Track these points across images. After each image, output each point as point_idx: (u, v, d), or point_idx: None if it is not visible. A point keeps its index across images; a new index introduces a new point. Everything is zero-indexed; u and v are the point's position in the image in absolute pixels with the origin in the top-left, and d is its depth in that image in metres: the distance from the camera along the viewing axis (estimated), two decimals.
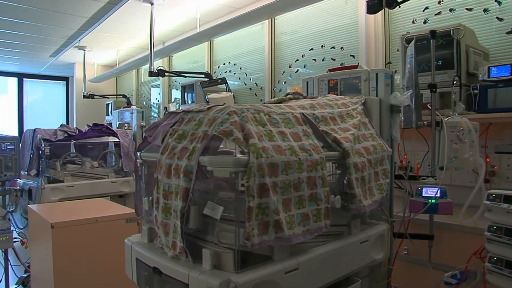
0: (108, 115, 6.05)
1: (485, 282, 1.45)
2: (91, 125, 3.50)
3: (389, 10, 2.63)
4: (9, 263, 2.59)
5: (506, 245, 1.28)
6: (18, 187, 2.90)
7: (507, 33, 2.04)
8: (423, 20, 2.49)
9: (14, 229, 2.72)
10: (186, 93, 4.08)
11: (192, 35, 4.11)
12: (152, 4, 3.67)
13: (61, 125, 3.30)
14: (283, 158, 0.96)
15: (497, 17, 2.14)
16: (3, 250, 2.49)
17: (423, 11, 2.48)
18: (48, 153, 2.99)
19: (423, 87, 1.79)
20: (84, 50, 5.68)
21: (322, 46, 3.20)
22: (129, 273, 1.20)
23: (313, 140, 1.11)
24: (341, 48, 3.04)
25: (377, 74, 1.54)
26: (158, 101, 5.72)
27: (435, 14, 2.42)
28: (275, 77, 3.69)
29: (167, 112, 4.17)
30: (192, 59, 4.99)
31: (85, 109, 6.89)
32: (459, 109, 1.63)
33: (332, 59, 3.11)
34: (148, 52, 4.03)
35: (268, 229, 0.92)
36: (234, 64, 4.19)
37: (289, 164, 0.98)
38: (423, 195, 1.51)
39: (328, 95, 1.59)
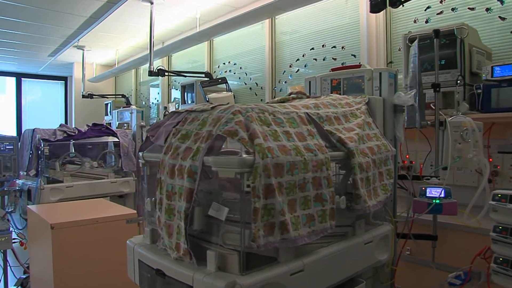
0: (107, 115, 6.02)
1: (490, 283, 1.44)
2: (90, 125, 3.48)
3: (391, 9, 2.62)
4: (8, 264, 2.57)
5: None
6: (17, 188, 2.88)
7: None
8: (424, 20, 2.48)
9: (13, 230, 2.70)
10: (186, 93, 4.06)
11: (192, 35, 4.09)
12: (152, 3, 3.65)
13: (60, 125, 3.28)
14: (288, 158, 0.95)
15: (499, 17, 2.13)
16: (2, 251, 2.47)
17: (425, 10, 2.47)
18: (47, 153, 2.96)
19: (426, 86, 1.79)
20: (83, 50, 5.65)
21: (323, 46, 3.19)
22: (131, 275, 1.18)
23: (318, 140, 1.09)
24: (342, 47, 3.03)
25: (380, 74, 1.53)
26: (158, 101, 5.70)
27: (437, 14, 2.41)
28: (275, 76, 3.67)
29: (167, 111, 4.16)
30: (191, 59, 4.97)
31: (84, 109, 6.86)
32: (463, 109, 1.63)
33: (333, 58, 3.10)
34: (147, 51, 4.01)
35: (274, 230, 0.91)
36: (234, 64, 4.18)
37: (294, 164, 0.96)
38: (427, 195, 1.50)
39: (331, 94, 1.58)
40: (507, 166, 1.93)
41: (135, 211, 2.08)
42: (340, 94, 1.62)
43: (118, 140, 3.42)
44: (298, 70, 3.44)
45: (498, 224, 1.31)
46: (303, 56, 3.37)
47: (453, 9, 2.33)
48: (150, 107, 5.94)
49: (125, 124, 4.65)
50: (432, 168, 2.14)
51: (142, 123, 3.69)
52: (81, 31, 4.78)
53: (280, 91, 3.60)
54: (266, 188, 0.89)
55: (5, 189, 2.63)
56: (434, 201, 1.48)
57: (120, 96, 5.84)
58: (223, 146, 1.02)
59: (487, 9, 2.18)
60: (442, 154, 1.61)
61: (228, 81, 3.62)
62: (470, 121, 1.57)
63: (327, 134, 1.17)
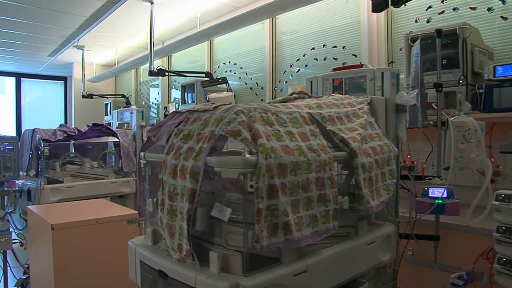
0: (107, 115, 6.01)
1: (492, 284, 1.44)
2: (90, 125, 3.47)
3: (392, 9, 2.61)
4: (8, 265, 2.56)
5: None
6: (17, 188, 2.87)
7: None
8: (426, 19, 2.47)
9: (13, 230, 2.69)
10: (186, 93, 4.05)
11: (192, 35, 4.09)
12: (152, 3, 3.64)
13: (60, 125, 3.27)
14: (291, 159, 0.94)
15: (501, 16, 2.12)
16: (2, 251, 2.46)
17: (426, 10, 2.46)
18: (48, 154, 2.95)
19: (428, 86, 1.78)
20: (83, 50, 5.64)
21: (323, 46, 3.18)
22: (133, 276, 1.17)
23: (320, 140, 1.09)
24: (343, 47, 3.03)
25: (382, 73, 1.52)
26: (158, 101, 5.69)
27: (438, 13, 2.40)
28: (276, 76, 3.67)
29: (167, 111, 4.14)
30: (191, 59, 4.96)
31: (84, 109, 6.85)
32: (466, 109, 1.62)
33: (334, 58, 3.10)
34: (147, 51, 4.00)
35: (277, 231, 0.90)
36: (235, 64, 4.17)
37: (297, 165, 0.96)
38: (429, 195, 1.50)
39: (333, 94, 1.57)
40: (509, 166, 1.92)
41: (136, 212, 2.08)
42: (342, 94, 1.62)
43: (118, 140, 3.41)
44: (298, 70, 3.43)
45: (501, 224, 1.31)
46: (303, 56, 3.37)
47: (454, 9, 2.33)
48: (150, 107, 5.93)
49: (125, 124, 4.64)
50: (433, 168, 2.14)
51: (142, 123, 3.68)
52: (81, 31, 4.77)
53: (281, 91, 3.59)
54: (269, 189, 0.88)
55: (5, 189, 2.62)
56: (436, 201, 1.48)
57: (120, 96, 5.83)
58: (223, 146, 1.02)
59: (489, 9, 2.17)
60: (444, 154, 1.60)
61: (229, 81, 3.61)
62: (472, 121, 1.56)
63: (330, 134, 1.16)
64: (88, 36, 4.92)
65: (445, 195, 1.48)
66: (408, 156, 2.08)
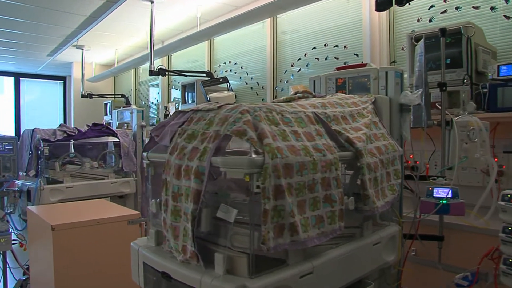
0: (107, 114, 5.99)
1: (498, 284, 1.43)
2: (90, 125, 3.45)
3: (394, 8, 2.60)
4: (7, 266, 2.55)
5: None
6: (17, 188, 2.85)
7: None
8: (428, 19, 2.46)
9: (12, 231, 2.67)
10: (186, 93, 4.03)
11: (193, 34, 4.07)
12: (152, 2, 3.63)
13: (60, 125, 3.25)
14: (297, 159, 0.93)
15: (504, 15, 2.12)
16: (1, 252, 2.45)
17: (429, 9, 2.45)
18: (47, 154, 2.93)
19: (431, 86, 1.77)
20: (82, 49, 5.61)
21: (325, 45, 3.17)
22: (136, 278, 1.16)
23: (326, 140, 1.07)
24: (345, 46, 3.01)
25: (386, 73, 1.51)
26: (157, 100, 5.67)
27: (441, 12, 2.39)
28: (276, 76, 3.65)
29: (167, 111, 4.12)
30: (191, 58, 4.94)
31: (83, 109, 6.82)
32: (470, 108, 1.61)
33: (335, 58, 3.08)
34: (147, 51, 3.99)
35: (283, 232, 0.89)
36: (235, 63, 4.15)
37: (303, 165, 0.94)
38: (434, 195, 1.49)
39: (337, 93, 1.56)
40: None
41: (137, 212, 2.06)
42: (345, 93, 1.60)
43: (118, 140, 3.39)
44: (300, 69, 3.42)
45: (507, 225, 1.30)
46: (305, 55, 3.36)
47: (457, 8, 2.32)
48: (149, 107, 5.92)
49: (125, 124, 4.62)
50: (436, 168, 2.13)
51: (142, 123, 3.66)
52: (80, 31, 4.75)
53: (282, 90, 3.58)
54: (275, 189, 0.87)
55: (5, 189, 2.60)
56: (441, 201, 1.47)
57: (120, 96, 5.81)
58: (226, 146, 1.00)
59: (492, 8, 2.16)
60: (449, 154, 1.59)
61: (229, 81, 3.60)
62: (477, 120, 1.55)
63: (335, 134, 1.15)
64: (87, 36, 4.90)
65: (450, 195, 1.46)
66: (411, 156, 2.07)
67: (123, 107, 5.20)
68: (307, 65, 3.35)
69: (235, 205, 0.90)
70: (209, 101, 3.28)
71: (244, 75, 4.04)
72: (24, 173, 3.07)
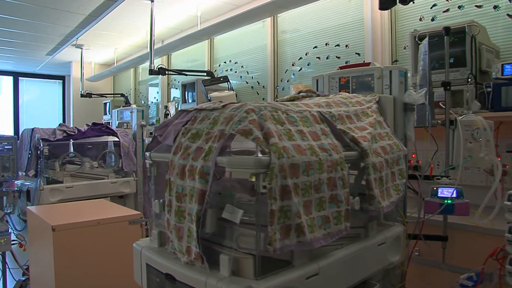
0: (106, 114, 5.96)
1: (502, 285, 1.42)
2: (90, 124, 3.43)
3: (396, 7, 2.59)
4: (7, 266, 2.53)
5: None
6: (16, 188, 2.83)
7: None
8: (430, 18, 2.45)
9: (12, 231, 2.65)
10: (186, 92, 4.02)
11: (193, 33, 4.05)
12: (152, 1, 3.60)
13: (60, 125, 3.23)
14: (304, 159, 0.92)
15: (507, 14, 2.11)
16: (1, 253, 2.43)
17: (431, 8, 2.44)
18: (47, 153, 2.91)
19: (435, 85, 1.76)
20: (82, 49, 5.59)
21: (326, 44, 3.16)
22: (138, 279, 1.15)
23: (332, 140, 1.06)
24: (346, 46, 3.00)
25: (390, 72, 1.50)
26: (157, 100, 5.65)
27: (443, 11, 2.38)
28: (277, 75, 3.64)
29: (167, 111, 4.10)
30: (191, 58, 4.93)
31: (82, 108, 6.80)
32: (475, 108, 1.60)
33: (336, 57, 3.07)
34: (147, 50, 3.97)
35: (290, 233, 0.88)
36: (235, 63, 4.14)
37: (309, 165, 0.93)
38: (438, 195, 1.48)
39: (341, 93, 1.54)
40: None
41: (137, 212, 2.05)
42: (349, 92, 1.59)
43: (118, 139, 3.37)
44: (301, 68, 3.40)
45: None
46: (306, 54, 3.34)
47: (459, 7, 2.31)
48: (149, 106, 5.89)
49: (125, 124, 4.60)
50: (439, 167, 2.12)
51: (142, 122, 3.64)
52: (79, 30, 4.72)
53: (283, 90, 3.57)
54: (282, 190, 0.85)
55: (4, 190, 2.58)
56: (446, 201, 1.46)
57: (119, 95, 5.78)
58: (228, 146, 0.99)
59: (495, 7, 2.15)
60: (453, 153, 1.58)
61: (229, 80, 3.59)
62: (481, 120, 1.54)
63: (340, 133, 1.14)
64: (87, 35, 4.88)
65: (454, 195, 1.45)
66: (413, 156, 2.06)
67: (123, 106, 5.17)
68: (308, 64, 3.33)
69: (240, 206, 0.89)
70: (209, 100, 3.26)
71: (244, 74, 4.02)
72: (24, 173, 3.05)
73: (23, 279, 2.59)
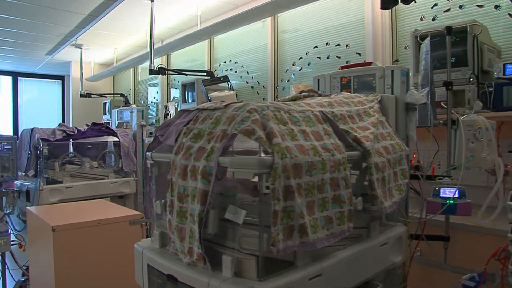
0: (105, 114, 5.95)
1: (505, 285, 1.41)
2: (90, 124, 3.42)
3: (397, 7, 2.58)
4: (6, 267, 2.52)
5: None
6: (16, 189, 2.82)
7: None
8: (431, 17, 2.45)
9: (11, 232, 2.64)
10: (186, 92, 4.01)
11: (193, 33, 4.04)
12: (152, 1, 3.60)
13: (59, 124, 3.21)
14: (306, 159, 0.91)
15: (509, 14, 2.10)
16: (0, 253, 2.42)
17: (432, 8, 2.44)
18: (47, 153, 2.90)
19: (436, 85, 1.75)
20: (81, 48, 5.58)
21: (326, 44, 3.15)
22: (140, 280, 1.14)
23: (334, 139, 1.06)
24: (347, 45, 3.00)
25: (392, 71, 1.49)
26: (157, 100, 5.64)
27: (444, 11, 2.38)
28: (277, 75, 3.63)
29: (167, 111, 4.08)
30: (190, 57, 4.92)
31: (82, 108, 6.79)
32: (477, 107, 1.59)
33: (337, 56, 3.07)
34: (147, 50, 3.96)
35: (293, 234, 0.87)
36: (235, 62, 4.13)
37: (312, 165, 0.92)
38: (440, 195, 1.47)
39: (342, 92, 1.54)
40: None
41: (138, 212, 2.04)
42: (350, 92, 1.58)
43: (118, 139, 3.36)
44: (301, 68, 3.40)
45: None
46: (306, 54, 3.34)
47: (460, 7, 2.30)
48: (148, 106, 5.88)
49: (125, 124, 4.59)
50: (440, 167, 2.11)
51: (142, 122, 3.63)
52: (79, 29, 4.71)
53: (283, 89, 3.56)
54: (285, 190, 0.85)
55: (3, 190, 2.57)
56: (448, 201, 1.45)
57: (119, 95, 5.77)
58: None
59: (496, 6, 2.15)
60: (455, 153, 1.58)
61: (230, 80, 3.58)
62: (483, 119, 1.54)
63: (342, 133, 1.13)
64: (86, 35, 4.87)
65: (456, 195, 1.45)
66: (414, 156, 2.05)
67: (123, 106, 5.16)
68: (308, 64, 3.33)
69: (242, 206, 0.88)
70: (210, 100, 3.25)
71: (244, 74, 4.02)
72: (23, 173, 3.04)
73: (23, 279, 2.58)
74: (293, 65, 3.47)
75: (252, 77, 3.92)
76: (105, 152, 3.38)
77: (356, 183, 1.23)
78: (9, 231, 2.50)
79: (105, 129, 3.38)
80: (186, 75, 3.82)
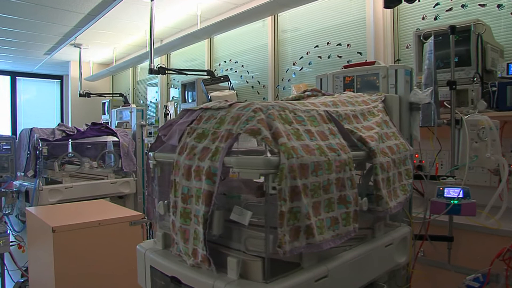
0: (105, 114, 5.93)
1: (509, 286, 1.41)
2: (89, 124, 3.40)
3: (398, 6, 2.57)
4: (5, 268, 2.50)
5: None
6: (15, 189, 2.80)
7: None
8: (433, 16, 2.44)
9: (10, 232, 2.62)
10: (186, 91, 3.99)
11: (193, 32, 4.02)
12: (152, 0, 3.58)
13: (58, 124, 3.19)
14: (312, 159, 0.90)
15: (511, 13, 2.09)
16: None
17: (434, 7, 2.43)
18: (46, 153, 2.88)
19: (439, 84, 1.74)
20: (80, 48, 5.55)
21: (327, 43, 3.14)
22: (142, 282, 1.12)
23: (339, 139, 1.04)
24: (348, 45, 2.98)
25: (396, 71, 1.48)
26: (156, 100, 5.62)
27: (446, 10, 2.37)
28: (278, 74, 3.62)
29: (167, 110, 4.06)
30: (190, 57, 4.90)
31: (81, 108, 6.76)
32: (481, 107, 1.59)
33: (338, 56, 3.05)
34: (146, 49, 3.95)
35: (299, 235, 0.86)
36: (235, 62, 4.11)
37: (318, 165, 0.91)
38: (445, 195, 1.46)
39: (346, 92, 1.53)
40: None
41: (138, 213, 2.03)
42: (353, 91, 1.57)
43: (118, 139, 3.34)
44: (302, 68, 3.38)
45: None
46: (307, 53, 3.32)
47: (463, 6, 2.30)
48: (148, 106, 5.86)
49: (125, 123, 4.57)
50: (442, 167, 2.10)
51: (142, 122, 3.61)
52: (78, 29, 4.69)
53: (284, 89, 3.55)
54: (292, 190, 0.83)
55: (2, 190, 2.55)
56: (452, 201, 1.44)
57: (118, 95, 5.75)
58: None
59: (499, 6, 2.14)
60: (458, 153, 1.57)
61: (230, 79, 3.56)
62: (487, 119, 1.53)
63: (347, 133, 1.12)
64: (85, 34, 4.84)
65: (461, 195, 1.44)
66: (416, 156, 2.04)
67: (122, 106, 5.14)
68: (309, 64, 3.31)
69: (247, 207, 0.87)
70: (210, 100, 3.24)
71: (244, 74, 4.00)
72: (22, 174, 3.02)
73: (22, 280, 2.56)
74: (293, 64, 3.46)
75: (253, 77, 3.91)
76: (104, 152, 3.37)
77: (360, 183, 1.22)
78: (8, 232, 2.48)
79: (104, 129, 3.36)
80: (186, 74, 3.80)
